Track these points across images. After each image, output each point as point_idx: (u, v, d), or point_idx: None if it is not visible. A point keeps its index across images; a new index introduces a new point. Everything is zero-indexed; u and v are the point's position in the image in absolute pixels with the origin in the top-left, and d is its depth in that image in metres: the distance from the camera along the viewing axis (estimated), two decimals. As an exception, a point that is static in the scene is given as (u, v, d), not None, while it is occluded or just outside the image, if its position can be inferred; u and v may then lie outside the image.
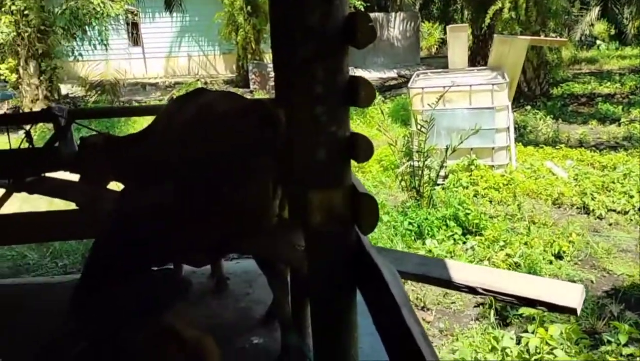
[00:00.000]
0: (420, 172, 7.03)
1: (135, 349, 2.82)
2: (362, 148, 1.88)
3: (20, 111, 12.10)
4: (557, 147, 9.26)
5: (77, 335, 3.72)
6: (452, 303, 4.93)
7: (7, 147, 4.98)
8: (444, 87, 8.11)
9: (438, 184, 7.35)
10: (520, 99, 13.24)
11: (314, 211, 1.98)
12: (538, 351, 3.57)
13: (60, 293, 4.65)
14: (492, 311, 4.39)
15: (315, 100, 1.86)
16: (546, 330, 3.58)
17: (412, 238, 5.99)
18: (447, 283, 2.58)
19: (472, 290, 2.54)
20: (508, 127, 8.35)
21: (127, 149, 4.21)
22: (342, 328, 2.03)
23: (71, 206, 4.51)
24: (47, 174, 4.85)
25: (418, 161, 7.11)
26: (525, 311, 4.09)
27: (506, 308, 4.52)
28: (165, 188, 3.45)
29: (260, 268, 3.58)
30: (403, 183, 7.33)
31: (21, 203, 5.36)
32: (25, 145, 4.72)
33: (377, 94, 8.69)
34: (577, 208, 6.84)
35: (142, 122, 4.71)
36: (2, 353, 3.89)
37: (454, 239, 5.92)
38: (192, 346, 2.43)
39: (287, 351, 3.56)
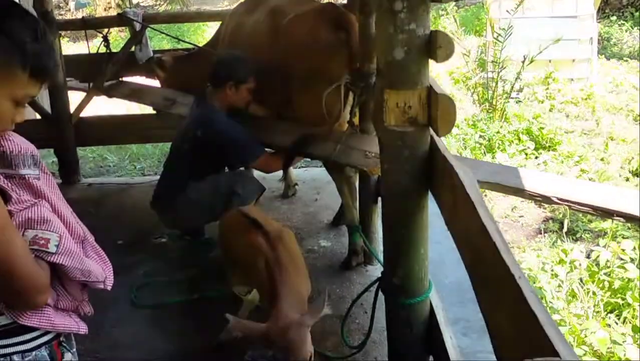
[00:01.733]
0: (494, 84, 6.78)
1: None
2: (442, 47, 1.83)
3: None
4: (643, 61, 8.67)
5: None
6: (520, 216, 4.89)
7: (85, 52, 5.14)
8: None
9: (512, 97, 7.09)
10: (605, 9, 12.32)
11: (389, 111, 1.97)
12: (608, 265, 3.53)
13: (139, 192, 4.95)
14: (563, 225, 4.32)
15: (395, -5, 1.80)
16: (618, 245, 3.51)
17: (482, 151, 5.88)
18: (521, 191, 2.54)
19: (546, 199, 2.50)
20: (591, 38, 7.84)
21: (196, 61, 4.27)
22: (413, 228, 2.06)
23: (148, 110, 4.66)
24: (125, 79, 5.01)
25: (492, 72, 6.84)
26: (596, 225, 4.01)
27: (576, 223, 4.44)
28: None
29: (329, 173, 3.64)
30: (475, 96, 7.12)
31: (100, 106, 5.58)
32: (103, 50, 4.86)
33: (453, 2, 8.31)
34: (661, 124, 6.49)
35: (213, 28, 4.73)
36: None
37: (526, 154, 5.78)
38: (275, 235, 2.55)
39: (354, 254, 3.67)
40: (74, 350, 1.62)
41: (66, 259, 1.43)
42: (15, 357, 1.43)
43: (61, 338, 1.55)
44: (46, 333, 1.50)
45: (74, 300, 1.54)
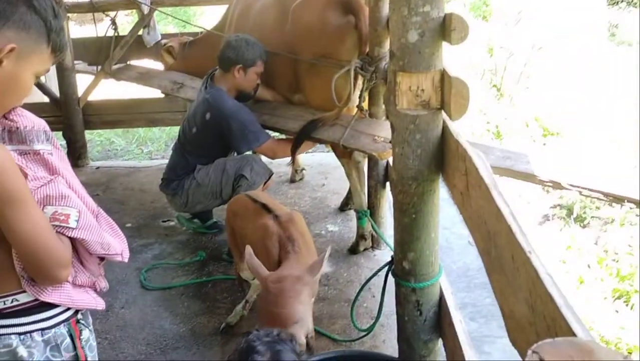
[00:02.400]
0: (503, 70, 6.74)
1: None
2: (456, 30, 1.81)
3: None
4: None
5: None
6: (527, 203, 4.87)
7: (93, 35, 5.13)
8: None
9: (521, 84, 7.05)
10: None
11: (402, 94, 1.96)
12: (616, 252, 3.53)
13: (147, 176, 4.96)
14: (571, 211, 4.31)
15: (409, -23, 1.79)
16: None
17: (490, 138, 5.86)
18: (531, 177, 2.54)
19: (556, 185, 2.49)
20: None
21: (204, 45, 4.25)
22: (424, 212, 2.05)
23: (156, 93, 4.65)
24: (132, 62, 5.00)
25: (502, 58, 6.80)
26: (605, 213, 4.01)
27: (584, 210, 4.43)
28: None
29: (338, 158, 3.64)
30: (482, 81, 7.07)
31: (108, 89, 5.57)
32: (111, 33, 4.85)
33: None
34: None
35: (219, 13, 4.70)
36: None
37: (534, 140, 5.76)
38: (286, 218, 2.56)
39: (362, 238, 3.68)
40: (91, 327, 1.65)
41: (87, 233, 1.45)
42: (35, 335, 1.45)
43: (79, 316, 1.57)
44: (65, 310, 1.52)
45: (91, 276, 1.56)
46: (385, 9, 3.02)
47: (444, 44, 1.91)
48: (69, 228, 1.41)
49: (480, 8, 11.29)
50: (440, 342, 2.25)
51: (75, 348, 1.55)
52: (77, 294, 1.52)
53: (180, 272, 3.62)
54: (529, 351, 0.78)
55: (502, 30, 6.97)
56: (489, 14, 9.87)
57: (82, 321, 1.58)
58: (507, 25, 6.77)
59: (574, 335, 1.01)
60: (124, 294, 3.41)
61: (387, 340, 2.86)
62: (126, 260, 1.63)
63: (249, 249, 2.19)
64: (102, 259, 1.58)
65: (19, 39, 1.32)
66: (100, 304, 1.60)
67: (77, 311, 1.56)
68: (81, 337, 1.57)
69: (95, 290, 1.61)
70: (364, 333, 2.74)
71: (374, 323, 2.50)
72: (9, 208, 1.29)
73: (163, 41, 4.51)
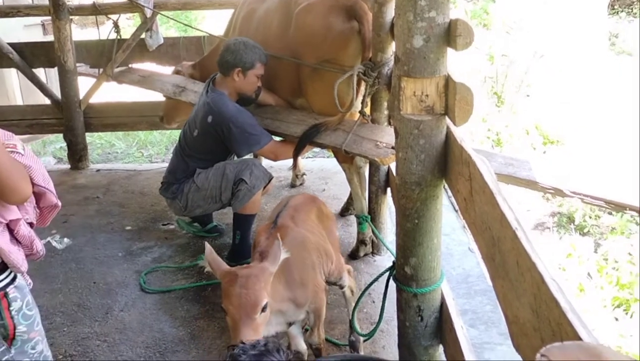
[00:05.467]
0: (504, 78, 6.76)
1: None
2: (461, 35, 1.82)
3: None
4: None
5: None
6: (527, 210, 4.88)
7: (96, 36, 5.14)
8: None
9: (522, 92, 7.07)
10: (615, 4, 12.23)
11: (406, 99, 1.96)
12: (616, 260, 3.53)
13: (147, 179, 4.96)
14: (571, 219, 4.31)
15: (415, -17, 1.79)
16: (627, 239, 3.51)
17: (490, 145, 5.87)
18: (533, 183, 2.54)
19: (558, 192, 2.50)
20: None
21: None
22: (427, 217, 2.05)
23: (158, 97, 4.66)
24: (134, 65, 5.01)
25: (502, 65, 6.82)
26: (605, 221, 4.01)
27: (584, 218, 4.44)
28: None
29: (339, 163, 3.64)
30: (483, 88, 7.09)
31: (109, 92, 5.57)
32: (114, 36, 4.86)
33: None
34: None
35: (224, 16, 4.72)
36: (92, 223, 4.25)
37: (534, 148, 5.77)
38: (278, 227, 2.53)
39: (362, 243, 3.68)
40: (29, 297, 1.85)
41: (32, 162, 1.72)
42: None
43: (8, 289, 1.76)
44: None
45: (31, 232, 1.81)
46: (389, 15, 3.03)
47: (449, 50, 1.92)
48: (19, 153, 1.68)
49: (481, 16, 11.34)
50: (440, 348, 2.25)
51: (3, 318, 1.77)
52: (13, 247, 1.73)
53: (179, 275, 3.61)
54: (538, 355, 0.78)
55: (502, 39, 6.99)
56: (489, 22, 9.90)
57: (14, 295, 1.78)
58: (508, 33, 6.79)
59: (580, 339, 1.01)
60: (123, 297, 3.40)
61: (387, 346, 2.86)
62: (60, 206, 1.90)
63: (208, 246, 2.18)
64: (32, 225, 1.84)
65: None
66: (24, 266, 1.80)
67: (7, 285, 1.76)
68: (10, 308, 1.77)
69: (32, 252, 1.84)
70: (364, 338, 2.74)
71: (375, 328, 2.50)
72: None
73: (175, 69, 4.50)
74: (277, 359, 1.58)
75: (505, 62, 6.80)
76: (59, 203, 1.91)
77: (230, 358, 1.59)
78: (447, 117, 1.99)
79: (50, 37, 5.09)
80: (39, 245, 1.88)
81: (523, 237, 1.34)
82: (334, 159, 3.73)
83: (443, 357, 2.26)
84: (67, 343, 3.01)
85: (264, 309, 2.02)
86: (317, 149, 5.03)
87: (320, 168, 5.07)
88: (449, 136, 2.00)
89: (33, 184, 1.73)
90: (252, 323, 1.99)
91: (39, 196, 1.84)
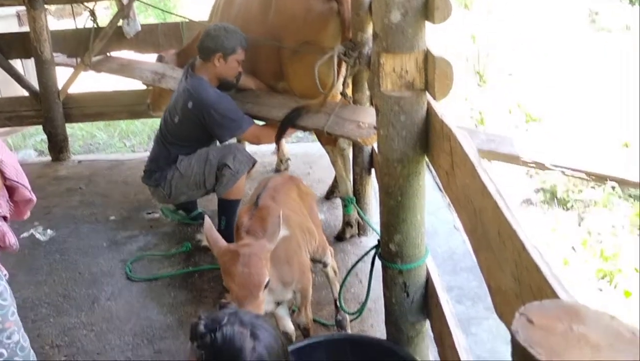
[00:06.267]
0: (486, 57, 6.76)
1: None
2: (439, 9, 1.80)
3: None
4: None
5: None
6: (511, 187, 4.90)
7: (72, 26, 5.06)
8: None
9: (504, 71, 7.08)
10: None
11: (386, 76, 1.95)
12: (599, 233, 3.57)
13: (130, 169, 4.92)
14: (554, 195, 4.35)
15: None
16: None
17: (474, 124, 5.88)
18: (515, 158, 2.55)
19: (540, 165, 2.51)
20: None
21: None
22: (410, 194, 2.05)
23: (138, 85, 4.61)
24: (113, 53, 4.95)
25: (484, 45, 6.82)
26: (588, 195, 4.04)
27: (567, 193, 4.47)
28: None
29: (323, 146, 3.63)
30: (465, 68, 7.09)
31: (88, 82, 5.51)
32: (90, 24, 4.78)
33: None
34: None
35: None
36: (75, 214, 4.21)
37: (517, 127, 5.79)
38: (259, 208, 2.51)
39: (348, 225, 3.69)
40: (3, 288, 1.86)
41: (4, 155, 1.73)
42: None
43: None
44: None
45: (2, 225, 1.80)
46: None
47: (427, 25, 1.91)
48: None
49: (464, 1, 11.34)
50: (427, 323, 2.27)
51: None
52: None
53: (166, 263, 3.60)
54: (517, 314, 0.78)
55: (483, 18, 6.99)
56: (470, 2, 9.90)
57: None
58: (489, 12, 6.79)
59: (560, 302, 1.01)
60: (109, 286, 3.38)
61: (375, 324, 2.87)
62: (34, 201, 1.91)
63: (207, 220, 2.16)
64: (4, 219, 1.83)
65: None
66: None
67: None
68: None
69: (4, 245, 1.84)
70: (353, 317, 2.75)
71: (363, 306, 2.51)
72: None
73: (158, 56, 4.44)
74: (239, 330, 1.43)
75: (486, 42, 6.79)
76: (34, 198, 1.90)
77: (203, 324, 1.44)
78: (427, 93, 1.98)
79: (26, 28, 5.00)
80: (11, 238, 1.87)
81: (504, 206, 1.35)
82: (318, 143, 3.72)
83: (430, 332, 2.28)
84: (53, 334, 2.99)
85: (265, 286, 2.03)
86: (301, 134, 5.03)
87: (305, 152, 5.06)
88: (429, 111, 2.00)
89: (5, 178, 1.72)
90: (256, 301, 2.00)
91: (12, 190, 1.83)
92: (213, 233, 2.12)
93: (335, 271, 2.88)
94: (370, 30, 3.11)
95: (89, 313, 3.15)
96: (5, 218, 1.85)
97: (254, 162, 3.64)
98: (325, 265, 2.81)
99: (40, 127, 5.32)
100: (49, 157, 5.29)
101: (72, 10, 5.18)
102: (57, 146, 5.18)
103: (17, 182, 1.80)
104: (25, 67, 6.05)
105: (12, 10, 6.40)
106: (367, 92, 3.34)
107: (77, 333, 3.00)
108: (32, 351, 1.99)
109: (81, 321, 3.09)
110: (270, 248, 2.09)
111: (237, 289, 1.99)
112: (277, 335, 1.50)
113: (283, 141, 4.28)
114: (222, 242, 2.11)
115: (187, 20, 4.70)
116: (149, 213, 4.21)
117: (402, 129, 1.99)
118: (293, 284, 2.38)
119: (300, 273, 2.38)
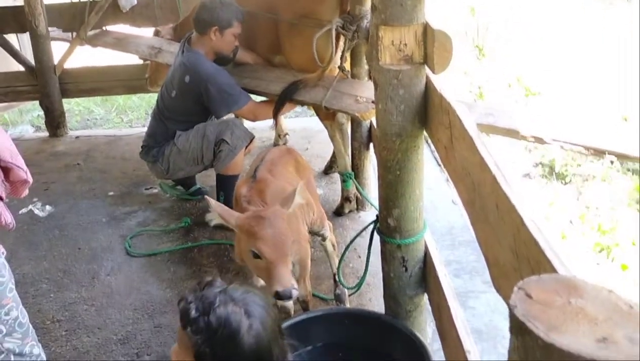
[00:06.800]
0: (485, 30, 6.69)
1: None
2: (438, -20, 1.78)
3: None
4: None
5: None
6: (509, 161, 4.90)
7: (68, 0, 4.99)
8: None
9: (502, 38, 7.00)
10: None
11: (384, 49, 1.93)
12: (597, 207, 3.57)
13: (128, 144, 4.90)
14: (553, 169, 4.35)
15: None
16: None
17: (473, 98, 5.85)
18: (514, 132, 2.54)
19: (538, 139, 2.50)
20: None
21: None
22: (408, 168, 2.05)
23: (134, 60, 4.56)
24: (108, 27, 4.89)
25: (483, 18, 6.74)
26: (586, 169, 4.04)
27: (566, 168, 4.47)
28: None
29: (321, 121, 3.61)
30: (465, 41, 7.01)
31: (84, 56, 5.45)
32: (85, -3, 4.72)
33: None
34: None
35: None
36: (74, 189, 4.21)
37: (516, 101, 5.76)
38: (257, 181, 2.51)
39: (347, 200, 3.69)
40: (1, 258, 1.87)
41: None
42: None
43: None
44: None
45: None
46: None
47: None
48: None
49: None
50: (425, 297, 2.28)
51: None
52: None
53: (165, 239, 3.60)
54: (515, 288, 0.78)
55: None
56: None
57: None
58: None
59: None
60: (109, 261, 3.40)
61: (374, 298, 2.89)
62: (30, 181, 1.89)
63: (209, 199, 2.16)
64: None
65: None
66: None
67: None
68: None
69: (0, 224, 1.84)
70: (352, 292, 2.76)
71: (362, 280, 2.52)
72: None
73: (155, 30, 4.38)
74: (233, 309, 1.40)
75: (485, 15, 6.72)
76: (30, 179, 1.90)
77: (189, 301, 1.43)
78: (426, 66, 1.96)
79: (20, 2, 4.93)
80: (7, 218, 1.88)
81: (502, 180, 1.34)
82: (317, 118, 3.70)
83: (428, 306, 2.29)
84: (54, 309, 3.01)
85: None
86: (299, 109, 5.00)
87: (303, 127, 5.03)
88: (428, 85, 1.98)
89: None
90: (287, 260, 2.05)
91: (6, 170, 1.83)
92: (224, 208, 2.14)
93: (334, 246, 2.89)
94: (368, 3, 3.07)
95: (89, 288, 3.17)
96: (0, 198, 1.85)
97: (252, 137, 3.63)
98: (324, 238, 2.81)
99: (37, 102, 5.28)
100: (46, 133, 5.27)
101: (67, -17, 5.10)
102: (55, 122, 5.15)
103: (13, 163, 1.80)
104: (21, 41, 5.98)
105: (6, -17, 6.30)
106: (366, 66, 3.31)
107: (78, 308, 3.02)
108: (31, 327, 1.99)
109: (81, 296, 3.11)
110: (286, 213, 2.13)
111: (269, 251, 2.03)
112: (266, 305, 1.49)
113: (281, 116, 4.26)
114: (236, 212, 2.14)
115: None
116: (148, 189, 4.21)
117: (401, 103, 1.98)
118: (291, 256, 2.39)
119: (298, 244, 2.39)
